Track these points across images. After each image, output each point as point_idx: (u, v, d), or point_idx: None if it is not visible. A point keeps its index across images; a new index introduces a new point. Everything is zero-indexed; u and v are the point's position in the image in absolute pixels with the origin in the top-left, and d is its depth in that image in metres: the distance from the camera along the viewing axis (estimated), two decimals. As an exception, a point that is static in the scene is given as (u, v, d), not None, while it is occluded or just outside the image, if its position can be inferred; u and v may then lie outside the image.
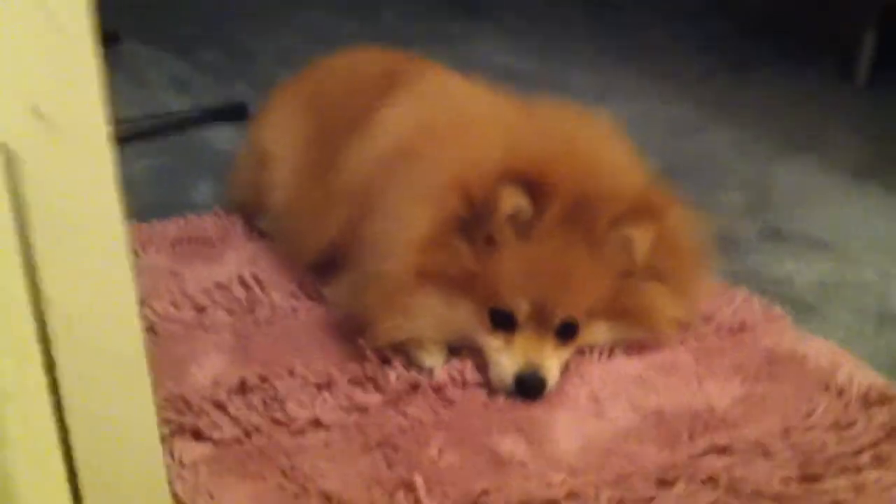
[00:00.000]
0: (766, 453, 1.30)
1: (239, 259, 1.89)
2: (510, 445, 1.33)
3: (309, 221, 1.72)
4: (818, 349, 1.53)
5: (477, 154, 1.44)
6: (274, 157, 1.85)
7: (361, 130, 1.64)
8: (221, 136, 2.62)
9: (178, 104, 3.02)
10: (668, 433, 1.35)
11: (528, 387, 1.43)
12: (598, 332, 1.52)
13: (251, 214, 2.00)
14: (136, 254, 1.93)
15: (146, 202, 2.20)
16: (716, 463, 1.28)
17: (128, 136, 2.65)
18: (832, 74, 3.11)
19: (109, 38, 3.81)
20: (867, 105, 2.89)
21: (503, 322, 1.45)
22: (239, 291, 1.74)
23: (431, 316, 1.46)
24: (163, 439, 1.32)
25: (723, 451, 1.31)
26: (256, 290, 1.75)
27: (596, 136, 1.52)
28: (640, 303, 1.50)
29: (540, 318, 1.44)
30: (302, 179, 1.78)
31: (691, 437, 1.34)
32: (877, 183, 2.31)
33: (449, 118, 1.57)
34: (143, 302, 1.70)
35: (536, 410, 1.41)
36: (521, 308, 1.43)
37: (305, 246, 1.74)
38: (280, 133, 1.87)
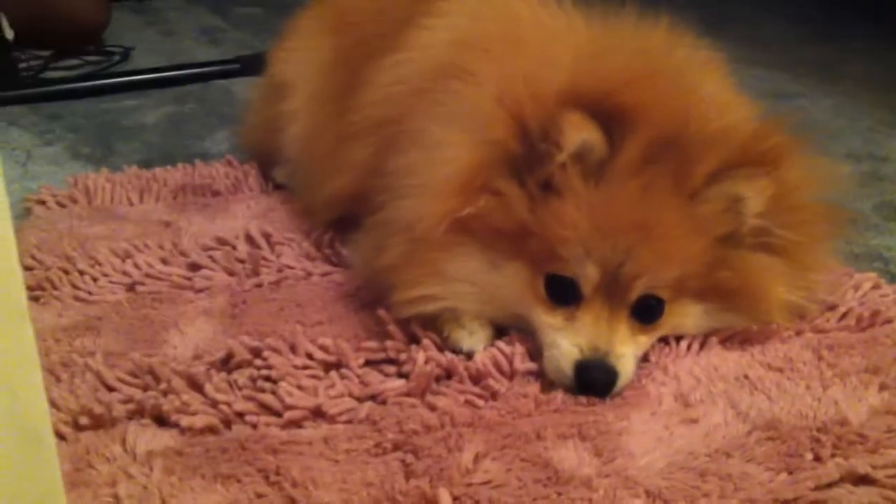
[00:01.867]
0: (924, 487, 0.95)
1: (248, 213, 1.61)
2: (570, 457, 1.00)
3: (329, 161, 1.41)
4: (977, 350, 1.17)
5: (535, 71, 1.10)
6: (293, 86, 1.55)
7: (393, 48, 1.31)
8: (245, 87, 2.36)
9: (208, 56, 2.78)
10: (786, 451, 1.01)
11: (594, 379, 1.09)
12: (687, 316, 1.18)
13: (266, 163, 1.72)
14: (129, 202, 1.64)
15: (157, 150, 1.97)
16: (854, 497, 0.93)
17: (147, 84, 2.45)
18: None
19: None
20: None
21: (564, 294, 1.12)
22: (243, 249, 1.44)
23: (471, 282, 1.14)
24: (113, 422, 1.03)
25: (862, 480, 0.96)
26: (265, 247, 1.45)
27: (691, 59, 1.18)
28: (745, 280, 1.15)
29: (612, 291, 1.11)
30: (323, 109, 1.47)
31: (818, 459, 0.99)
32: None
33: (500, 30, 1.23)
34: (126, 256, 1.40)
35: (606, 412, 1.07)
36: (588, 275, 1.10)
37: (324, 193, 1.42)
38: (300, 59, 1.57)
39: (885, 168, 1.91)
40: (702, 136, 1.09)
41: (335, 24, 1.57)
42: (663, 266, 1.11)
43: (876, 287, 1.33)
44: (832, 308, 1.26)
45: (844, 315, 1.25)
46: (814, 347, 1.18)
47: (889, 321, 1.24)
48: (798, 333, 1.21)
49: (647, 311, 1.14)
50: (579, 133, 1.06)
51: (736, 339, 1.20)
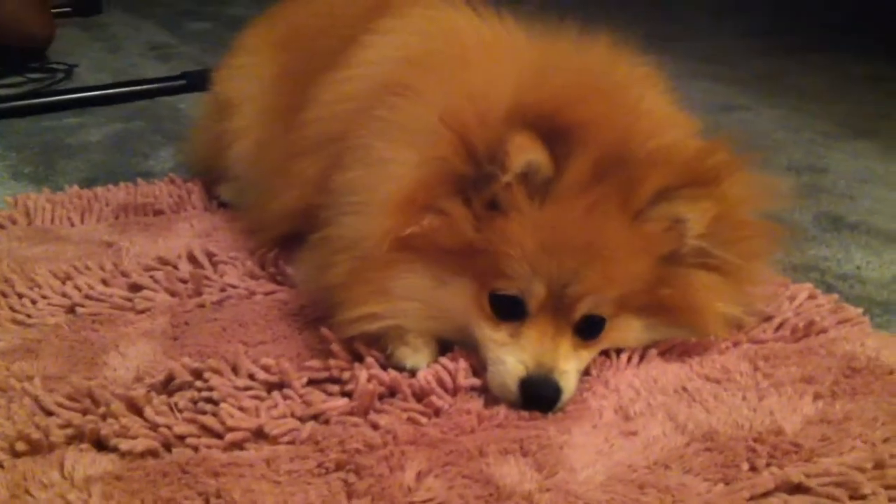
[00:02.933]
0: (855, 494, 0.97)
1: (191, 232, 1.59)
2: (512, 472, 1.00)
3: (274, 178, 1.40)
4: (908, 359, 1.20)
5: (479, 89, 1.11)
6: (239, 103, 1.54)
7: (338, 65, 1.31)
8: (192, 104, 2.34)
9: (156, 72, 2.76)
10: (723, 462, 1.02)
11: (539, 395, 1.10)
12: (629, 331, 1.19)
13: (210, 181, 1.70)
14: (70, 223, 1.62)
15: (100, 169, 1.95)
16: (788, 505, 0.95)
17: (91, 101, 2.42)
18: (890, 59, 2.81)
19: (91, 7, 3.55)
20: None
21: (509, 311, 1.12)
22: (186, 269, 1.43)
23: (416, 299, 1.14)
24: (51, 448, 1.01)
25: (797, 489, 0.98)
26: (208, 267, 1.44)
27: (633, 75, 1.19)
28: (685, 297, 1.17)
29: (557, 308, 1.11)
30: (267, 126, 1.46)
31: (754, 469, 1.01)
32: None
33: (444, 48, 1.24)
34: (66, 278, 1.39)
35: (548, 426, 1.08)
36: (534, 292, 1.10)
37: (272, 209, 1.42)
38: (246, 75, 1.56)
39: (824, 180, 1.95)
40: (645, 154, 1.10)
41: (281, 40, 1.56)
42: (608, 286, 1.11)
43: (811, 297, 1.35)
44: (768, 319, 1.28)
45: (780, 325, 1.27)
46: (750, 358, 1.20)
47: (824, 331, 1.27)
48: (735, 344, 1.23)
49: (589, 328, 1.15)
50: (525, 154, 1.06)
51: (675, 350, 1.22)
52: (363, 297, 1.14)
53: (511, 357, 1.12)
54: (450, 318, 1.16)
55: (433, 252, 1.11)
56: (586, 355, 1.16)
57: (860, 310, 1.32)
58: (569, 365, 1.12)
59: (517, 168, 1.07)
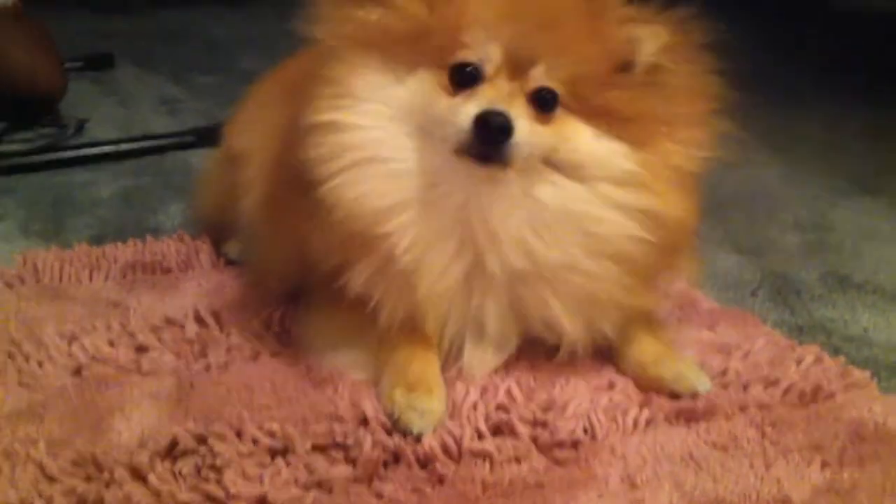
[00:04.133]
0: (865, 567, 0.96)
1: (199, 290, 1.59)
2: (517, 542, 0.99)
3: (281, 229, 1.41)
4: (918, 425, 1.19)
5: None
6: (248, 156, 1.55)
7: None
8: (203, 158, 2.35)
9: (166, 126, 2.79)
10: (730, 533, 1.01)
11: (492, 128, 1.12)
12: (579, 137, 1.21)
13: (220, 237, 1.71)
14: (78, 281, 1.63)
15: (109, 225, 1.96)
16: (797, 579, 0.94)
17: (102, 157, 2.44)
18: (891, 110, 2.82)
19: (103, 62, 3.59)
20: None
21: (467, 80, 1.17)
22: (192, 329, 1.43)
23: (378, 101, 1.20)
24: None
25: (805, 561, 0.96)
26: (213, 327, 1.44)
27: None
28: (632, 106, 1.21)
29: (512, 75, 1.17)
30: (275, 178, 1.46)
31: (761, 541, 0.99)
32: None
33: None
34: (73, 338, 1.39)
35: (554, 495, 1.07)
36: (490, 56, 1.17)
37: (276, 262, 1.42)
38: (255, 129, 1.57)
39: (830, 237, 1.95)
40: None
41: (289, 91, 1.58)
42: (561, 54, 1.17)
43: (818, 361, 1.35)
44: (775, 383, 1.28)
45: (787, 390, 1.27)
46: (757, 424, 1.19)
47: (831, 396, 1.26)
48: (742, 409, 1.22)
49: (542, 102, 1.18)
50: None
51: (682, 415, 1.21)
52: (326, 104, 1.20)
53: (467, 105, 1.14)
54: (416, 110, 1.19)
55: (389, 48, 1.18)
56: (540, 129, 1.18)
57: (867, 373, 1.31)
58: (522, 118, 1.14)
59: None
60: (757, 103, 3.22)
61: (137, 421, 1.21)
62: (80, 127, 2.75)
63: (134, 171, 2.37)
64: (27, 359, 1.34)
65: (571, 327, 1.25)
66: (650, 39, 1.21)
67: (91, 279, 1.65)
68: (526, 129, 1.15)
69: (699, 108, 1.26)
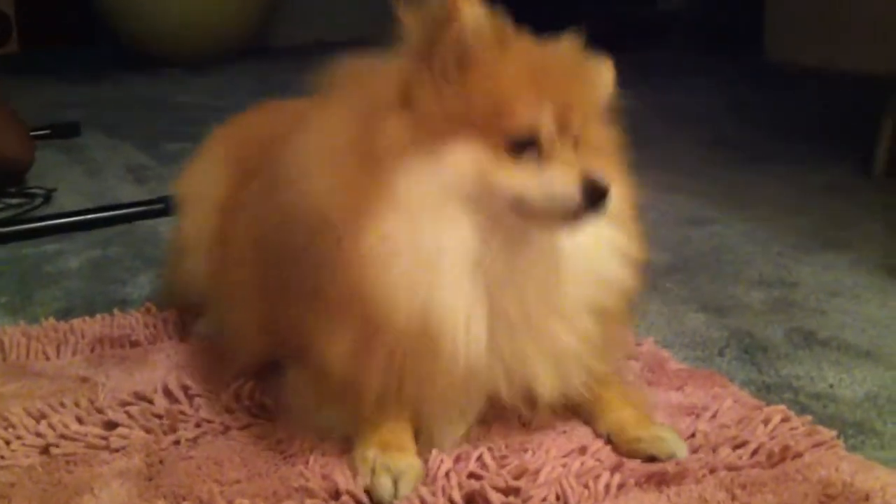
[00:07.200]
0: None
1: (168, 363, 1.59)
2: None
3: (249, 308, 1.41)
4: (885, 482, 1.20)
5: None
6: (190, 203, 1.59)
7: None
8: (170, 228, 2.36)
9: (134, 195, 2.79)
10: None
11: (600, 187, 1.15)
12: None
13: (187, 312, 1.70)
14: (45, 357, 1.62)
15: (77, 297, 1.95)
16: None
17: (70, 227, 2.44)
18: (848, 166, 2.90)
19: (69, 131, 3.60)
20: (890, 197, 2.63)
21: (523, 147, 1.18)
22: (161, 404, 1.43)
23: (421, 190, 1.18)
24: None
25: None
26: (183, 401, 1.43)
27: None
28: (601, 140, 1.30)
29: (560, 129, 1.20)
30: (235, 256, 1.47)
31: None
32: (916, 283, 2.02)
33: None
34: (41, 416, 1.38)
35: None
36: (544, 119, 1.18)
37: (241, 333, 1.43)
38: (200, 180, 1.61)
39: (795, 294, 1.97)
40: None
41: (234, 148, 1.63)
42: (581, 103, 1.24)
43: (785, 420, 1.36)
44: (743, 444, 1.29)
45: (756, 451, 1.27)
46: (727, 486, 1.20)
47: (799, 455, 1.27)
48: (712, 471, 1.23)
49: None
50: (471, 6, 1.15)
51: (653, 479, 1.22)
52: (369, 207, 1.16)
53: (559, 172, 1.17)
54: (460, 186, 1.18)
55: (410, 143, 1.17)
56: None
57: (834, 432, 1.33)
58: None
59: (471, 21, 1.15)
60: (719, 163, 3.30)
61: (107, 500, 1.20)
62: (48, 196, 2.74)
63: (102, 241, 2.37)
64: (-7, 439, 1.33)
65: (548, 385, 1.26)
66: (608, 72, 1.30)
67: (59, 355, 1.64)
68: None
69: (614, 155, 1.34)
